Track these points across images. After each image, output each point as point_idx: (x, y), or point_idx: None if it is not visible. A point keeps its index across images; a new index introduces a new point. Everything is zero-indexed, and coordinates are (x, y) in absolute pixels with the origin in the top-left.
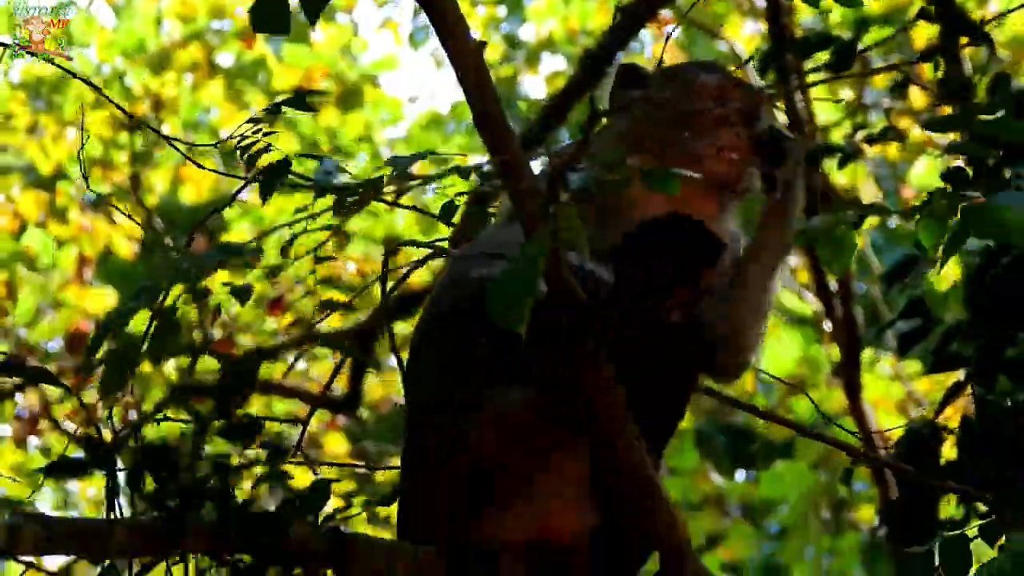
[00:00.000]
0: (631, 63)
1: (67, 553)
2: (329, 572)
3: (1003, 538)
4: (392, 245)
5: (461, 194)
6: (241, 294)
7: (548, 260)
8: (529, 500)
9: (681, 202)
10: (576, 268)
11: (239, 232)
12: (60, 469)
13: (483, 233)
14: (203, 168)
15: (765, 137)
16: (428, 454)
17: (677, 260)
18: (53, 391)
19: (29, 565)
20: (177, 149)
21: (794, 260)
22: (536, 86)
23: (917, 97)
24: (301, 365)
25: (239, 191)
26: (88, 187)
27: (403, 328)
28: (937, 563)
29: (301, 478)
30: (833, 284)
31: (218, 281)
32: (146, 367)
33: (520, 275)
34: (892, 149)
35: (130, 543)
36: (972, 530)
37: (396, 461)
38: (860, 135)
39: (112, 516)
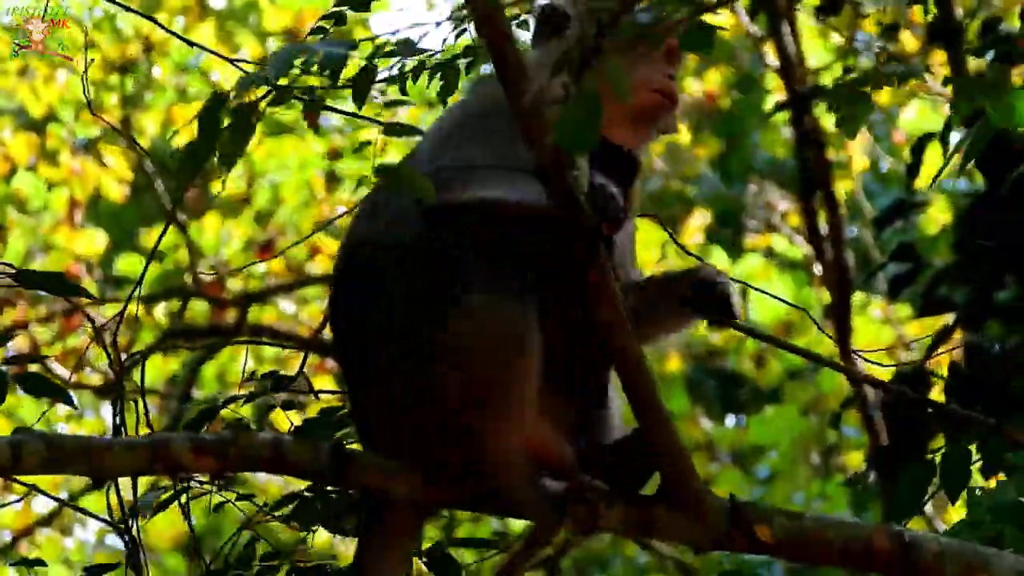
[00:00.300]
0: (551, 2)
1: (70, 472)
2: None
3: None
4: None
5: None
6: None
7: (552, 167)
8: (516, 433)
9: (605, 128)
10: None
11: (230, 176)
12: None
13: (412, 152)
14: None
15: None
16: (394, 401)
17: (616, 175)
18: (43, 333)
19: (32, 488)
20: (224, 57)
21: (785, 204)
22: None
23: (908, 40)
24: (291, 308)
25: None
26: (87, 95)
27: None
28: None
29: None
30: (824, 227)
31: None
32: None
33: (585, 100)
34: (884, 93)
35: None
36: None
37: None
38: (850, 78)
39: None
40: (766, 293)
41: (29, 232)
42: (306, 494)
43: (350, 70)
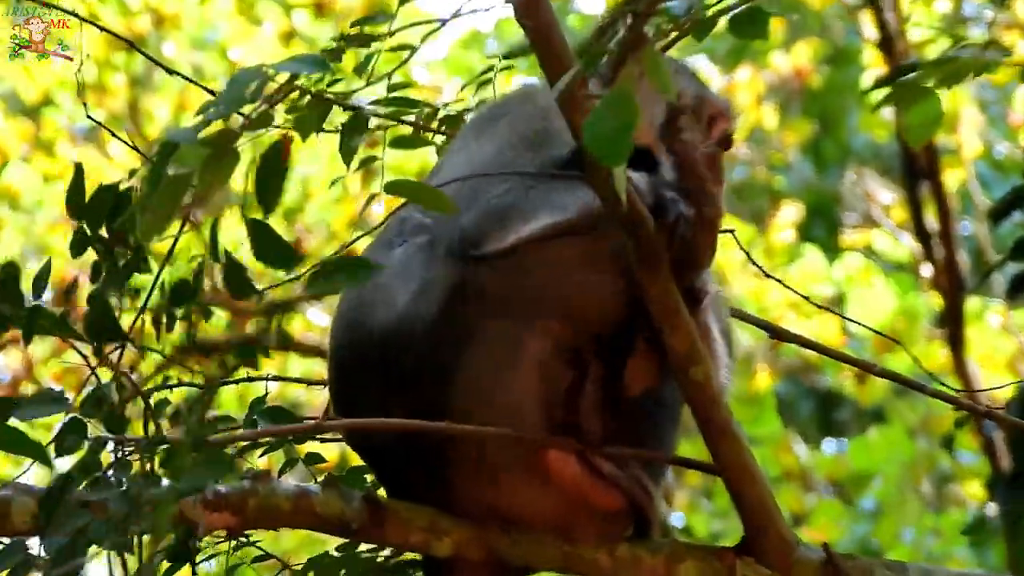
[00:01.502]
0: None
1: (64, 533)
2: None
3: None
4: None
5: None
6: None
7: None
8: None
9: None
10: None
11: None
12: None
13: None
14: None
15: None
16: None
17: None
18: (42, 346)
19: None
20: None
21: (887, 195)
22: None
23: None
24: (322, 321)
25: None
26: (79, 80)
27: None
28: None
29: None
30: (932, 222)
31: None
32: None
33: (617, 103)
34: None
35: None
36: None
37: None
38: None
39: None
40: (869, 328)
41: (22, 232)
42: (334, 552)
43: None
